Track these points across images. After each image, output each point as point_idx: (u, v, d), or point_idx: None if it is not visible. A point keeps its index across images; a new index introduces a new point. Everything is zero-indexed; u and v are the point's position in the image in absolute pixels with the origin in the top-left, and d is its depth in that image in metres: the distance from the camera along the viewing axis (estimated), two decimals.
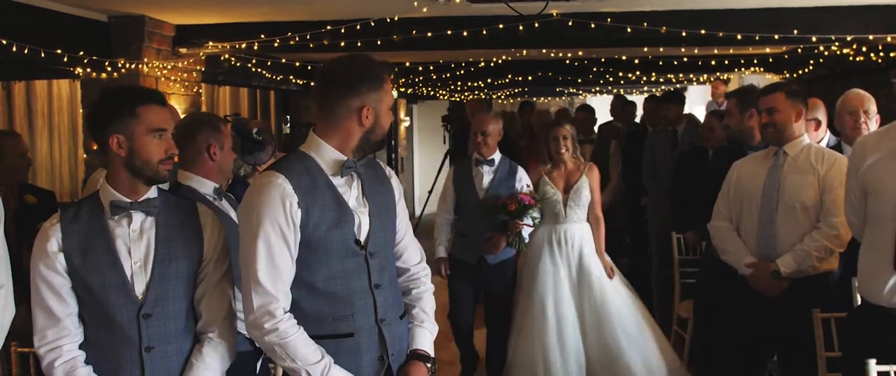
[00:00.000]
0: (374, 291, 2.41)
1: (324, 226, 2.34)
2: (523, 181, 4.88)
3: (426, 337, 2.54)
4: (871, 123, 3.98)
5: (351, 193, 2.42)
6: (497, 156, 4.90)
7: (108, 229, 2.34)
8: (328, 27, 6.21)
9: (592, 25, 6.08)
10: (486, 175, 4.87)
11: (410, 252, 2.62)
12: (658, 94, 7.68)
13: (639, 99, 11.07)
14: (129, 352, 2.33)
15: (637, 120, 8.42)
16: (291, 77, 9.25)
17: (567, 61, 9.83)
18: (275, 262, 2.29)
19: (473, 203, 4.87)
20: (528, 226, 4.80)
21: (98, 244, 2.32)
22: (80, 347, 2.35)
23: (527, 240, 4.87)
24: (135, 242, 2.35)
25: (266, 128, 3.78)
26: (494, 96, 14.50)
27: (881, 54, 6.76)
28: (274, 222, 2.28)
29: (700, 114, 9.22)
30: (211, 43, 6.59)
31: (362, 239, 2.40)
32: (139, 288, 2.34)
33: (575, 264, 4.89)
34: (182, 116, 4.72)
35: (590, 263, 4.91)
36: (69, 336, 2.32)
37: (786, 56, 8.99)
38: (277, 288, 2.30)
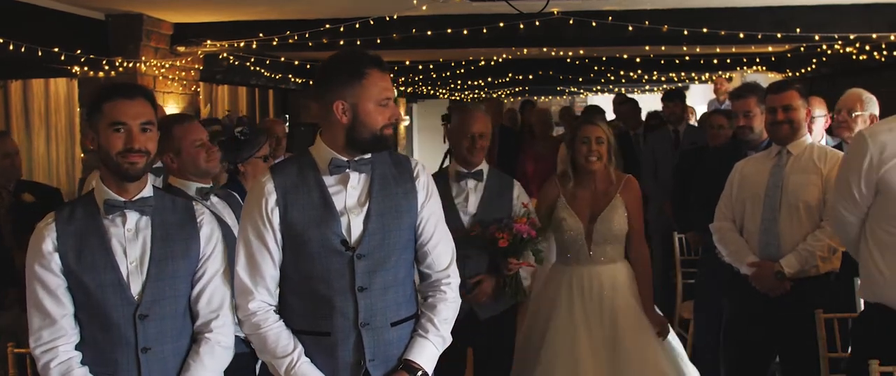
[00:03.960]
0: (357, 294, 2.33)
1: (302, 224, 2.32)
2: (520, 199, 3.57)
3: (425, 348, 2.41)
4: (858, 124, 3.92)
5: (347, 192, 2.37)
6: (485, 166, 3.58)
7: (104, 229, 2.32)
8: (327, 25, 6.19)
9: (593, 24, 6.06)
10: (473, 193, 3.52)
11: (435, 256, 2.46)
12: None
13: (642, 98, 11.05)
14: (125, 353, 2.31)
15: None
16: (290, 76, 9.24)
17: (568, 60, 9.81)
18: (253, 258, 2.34)
19: (457, 233, 3.20)
20: (530, 266, 3.53)
21: (93, 244, 2.30)
22: (78, 348, 2.32)
23: (527, 281, 3.58)
24: (130, 242, 2.33)
25: (254, 125, 3.74)
26: (495, 95, 14.49)
27: (884, 53, 6.73)
28: (252, 220, 2.35)
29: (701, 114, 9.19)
30: (209, 41, 6.57)
31: (352, 240, 2.34)
32: (135, 289, 2.31)
33: (605, 321, 3.58)
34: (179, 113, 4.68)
35: (625, 321, 3.58)
36: (65, 336, 2.29)
37: (789, 54, 8.98)
38: (255, 282, 2.35)
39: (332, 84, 2.31)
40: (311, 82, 9.52)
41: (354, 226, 2.34)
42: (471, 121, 3.50)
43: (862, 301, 2.94)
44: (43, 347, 2.28)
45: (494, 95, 14.16)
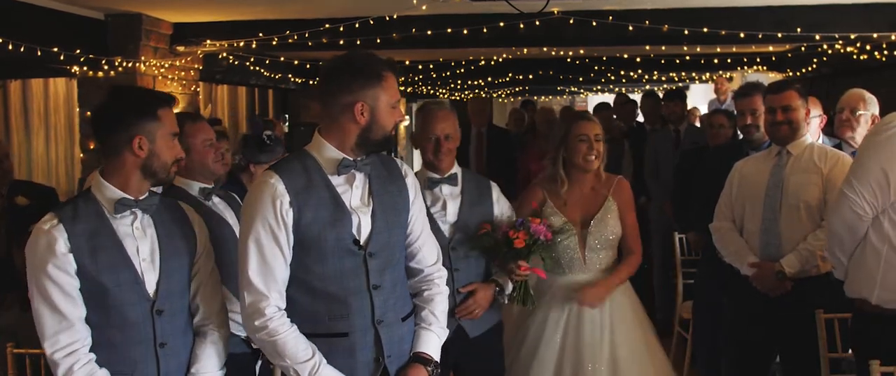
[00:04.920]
0: (372, 292, 2.37)
1: (318, 226, 2.33)
2: (502, 202, 3.28)
3: (432, 340, 2.50)
4: (860, 124, 3.92)
5: (353, 192, 2.39)
6: (457, 169, 3.23)
7: (113, 227, 2.33)
8: (327, 25, 6.18)
9: (594, 23, 6.05)
10: (451, 200, 3.16)
11: (425, 252, 2.56)
12: (658, 92, 7.63)
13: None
14: (144, 350, 2.33)
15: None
16: (290, 76, 9.23)
17: (568, 60, 9.80)
18: (265, 261, 2.31)
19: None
20: (541, 274, 3.24)
21: (106, 243, 2.30)
22: (90, 350, 2.32)
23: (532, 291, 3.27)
24: (140, 239, 2.35)
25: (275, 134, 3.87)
26: (495, 95, 14.47)
27: (885, 52, 6.72)
28: (264, 222, 2.30)
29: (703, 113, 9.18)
30: (209, 41, 6.56)
31: (362, 239, 2.37)
32: (150, 285, 2.34)
33: (604, 339, 3.31)
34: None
35: (624, 336, 3.34)
36: (82, 339, 2.29)
37: (789, 54, 8.97)
38: (268, 287, 2.32)
39: (350, 85, 2.33)
40: (311, 82, 9.51)
41: (364, 224, 2.38)
42: (433, 122, 3.12)
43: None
44: (64, 351, 2.26)
45: (494, 95, 14.15)
